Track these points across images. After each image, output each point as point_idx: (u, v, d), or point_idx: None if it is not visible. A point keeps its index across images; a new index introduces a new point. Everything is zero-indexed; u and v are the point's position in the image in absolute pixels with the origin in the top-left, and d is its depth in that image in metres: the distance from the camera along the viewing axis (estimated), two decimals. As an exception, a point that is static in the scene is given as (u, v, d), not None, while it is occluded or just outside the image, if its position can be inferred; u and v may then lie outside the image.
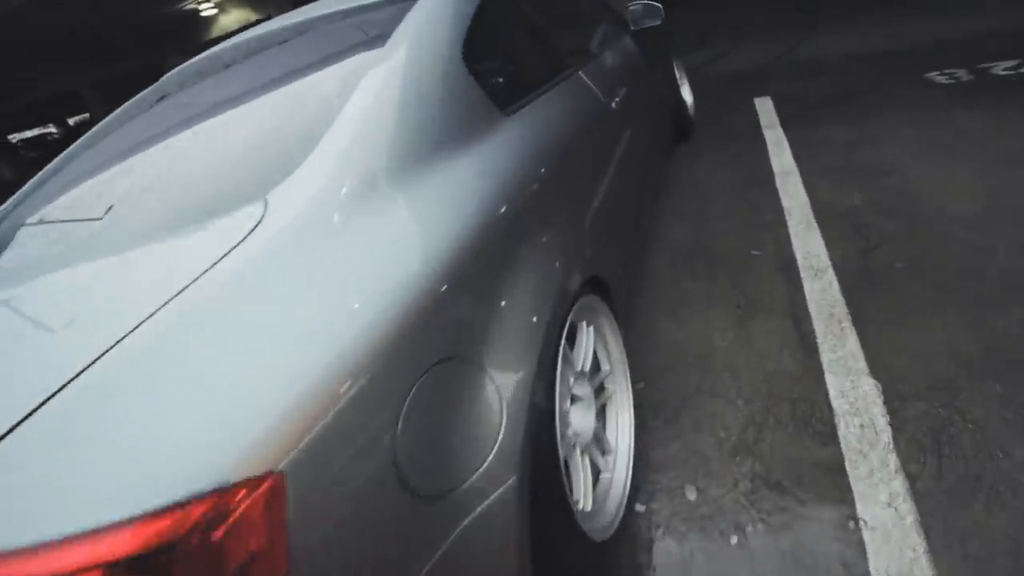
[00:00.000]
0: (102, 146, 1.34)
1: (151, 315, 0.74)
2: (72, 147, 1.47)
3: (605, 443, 1.43)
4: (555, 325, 1.13)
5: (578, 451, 1.26)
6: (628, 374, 1.56)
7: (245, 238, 0.85)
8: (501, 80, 1.43)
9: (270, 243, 0.85)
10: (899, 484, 1.30)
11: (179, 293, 0.77)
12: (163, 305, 0.75)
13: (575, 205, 1.43)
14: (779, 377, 1.67)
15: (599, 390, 1.46)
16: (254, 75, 1.35)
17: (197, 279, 0.79)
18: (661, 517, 1.40)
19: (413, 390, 0.82)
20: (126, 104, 1.56)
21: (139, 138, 1.28)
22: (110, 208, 1.07)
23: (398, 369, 0.81)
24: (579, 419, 1.34)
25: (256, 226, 0.88)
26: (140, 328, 0.72)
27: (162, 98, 1.47)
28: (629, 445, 1.48)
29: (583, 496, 1.24)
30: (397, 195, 1.00)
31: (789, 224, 2.39)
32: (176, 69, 1.63)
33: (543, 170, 1.31)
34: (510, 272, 1.06)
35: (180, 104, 1.36)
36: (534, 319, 1.07)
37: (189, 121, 1.26)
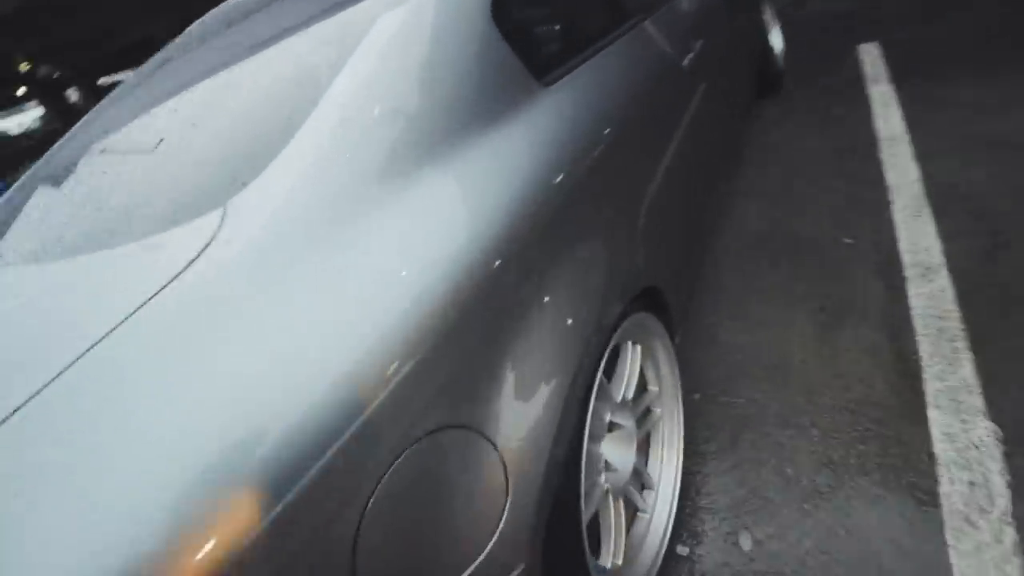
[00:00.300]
0: (94, 126, 1.19)
1: (51, 379, 0.60)
2: (77, 124, 1.34)
3: (646, 477, 1.23)
4: (588, 362, 0.91)
5: (611, 498, 1.07)
6: (680, 396, 1.33)
7: (187, 266, 0.68)
8: (540, 41, 1.17)
9: (214, 272, 0.68)
10: (1017, 571, 1.03)
11: (90, 348, 0.61)
12: (68, 367, 0.60)
13: (627, 199, 1.17)
14: (867, 406, 1.39)
15: (644, 414, 1.24)
16: (253, 36, 1.16)
17: (116, 328, 0.63)
18: (707, 566, 1.20)
19: (391, 468, 0.64)
20: (133, 73, 1.41)
21: (123, 118, 1.12)
22: (64, 219, 0.93)
23: (377, 441, 0.63)
24: (616, 454, 1.13)
25: (206, 246, 0.71)
26: (39, 396, 0.58)
27: (164, 63, 1.31)
28: (675, 480, 1.27)
29: (612, 551, 1.05)
30: (391, 200, 0.80)
31: (894, 207, 2.01)
32: (187, 29, 1.46)
33: (586, 156, 1.06)
34: (531, 304, 0.84)
35: (173, 72, 1.19)
36: (559, 362, 0.86)
37: (173, 95, 1.09)
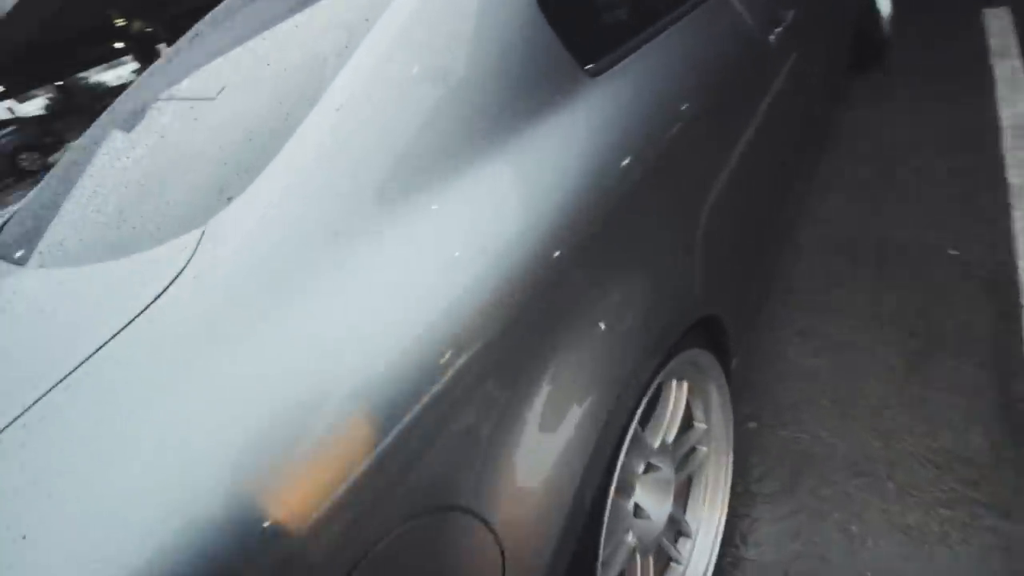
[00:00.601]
0: (118, 111, 1.14)
1: None
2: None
3: (683, 525, 1.10)
4: (620, 413, 0.78)
5: (638, 556, 0.95)
6: (731, 435, 1.17)
7: (146, 308, 0.60)
8: (590, 23, 1.00)
9: (176, 310, 0.59)
10: None
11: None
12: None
13: (685, 211, 1.01)
14: (958, 462, 1.18)
15: (687, 453, 1.10)
16: (274, 11, 1.05)
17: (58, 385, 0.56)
18: (747, 629, 1.07)
19: (362, 563, 0.55)
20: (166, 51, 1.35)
21: (142, 104, 1.05)
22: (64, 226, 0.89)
23: (343, 537, 0.54)
24: (650, 501, 1.01)
25: (175, 278, 0.63)
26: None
27: (192, 40, 1.23)
28: (718, 527, 1.13)
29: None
30: (393, 220, 0.68)
31: (1015, 214, 1.70)
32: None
33: (636, 161, 0.90)
34: (552, 343, 0.72)
35: (196, 52, 1.11)
36: (584, 416, 0.73)
37: (186, 82, 1.01)
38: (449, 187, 0.73)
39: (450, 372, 0.61)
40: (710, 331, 1.05)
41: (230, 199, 0.69)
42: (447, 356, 0.61)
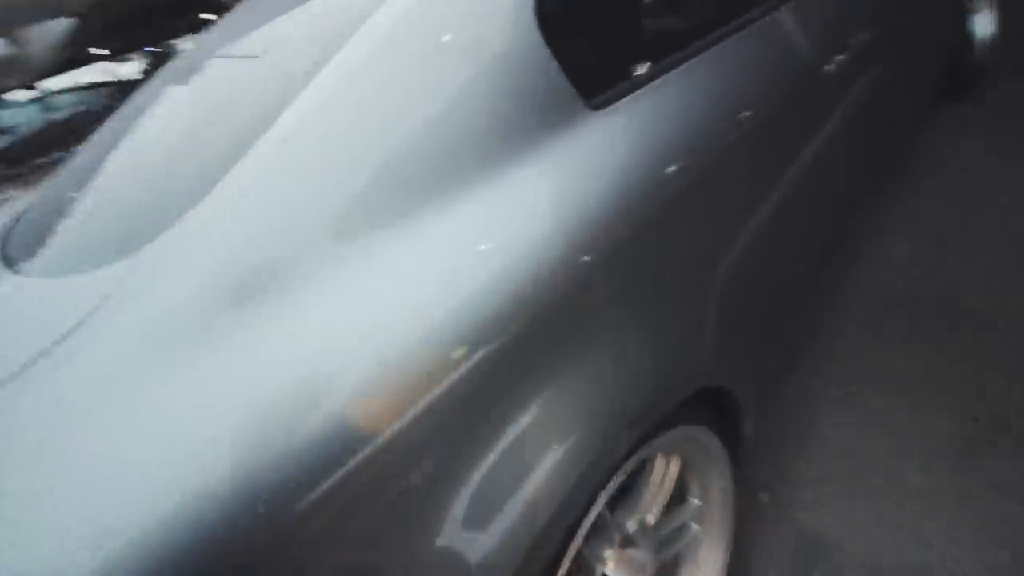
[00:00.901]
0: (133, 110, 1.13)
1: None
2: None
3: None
4: (579, 497, 0.69)
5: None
6: (731, 516, 1.03)
7: (62, 338, 0.56)
8: (598, 48, 0.90)
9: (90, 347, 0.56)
10: None
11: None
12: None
13: (696, 267, 0.89)
14: (1007, 583, 1.00)
15: (675, 531, 0.98)
16: (273, 13, 1.01)
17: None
18: None
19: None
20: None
21: (141, 108, 1.02)
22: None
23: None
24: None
25: (93, 311, 0.58)
26: None
27: (223, 30, 1.21)
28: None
29: None
30: (348, 262, 0.63)
31: (1114, 287, 1.46)
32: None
33: (639, 206, 0.80)
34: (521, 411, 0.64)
35: (197, 60, 1.08)
36: (529, 507, 0.65)
37: (205, 71, 0.98)
38: (422, 219, 0.67)
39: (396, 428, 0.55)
40: (717, 401, 0.93)
41: (170, 222, 0.65)
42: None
